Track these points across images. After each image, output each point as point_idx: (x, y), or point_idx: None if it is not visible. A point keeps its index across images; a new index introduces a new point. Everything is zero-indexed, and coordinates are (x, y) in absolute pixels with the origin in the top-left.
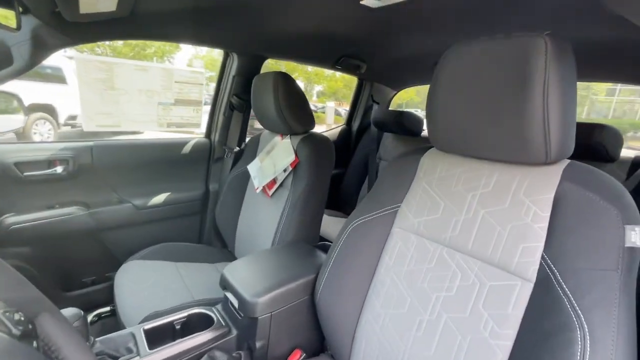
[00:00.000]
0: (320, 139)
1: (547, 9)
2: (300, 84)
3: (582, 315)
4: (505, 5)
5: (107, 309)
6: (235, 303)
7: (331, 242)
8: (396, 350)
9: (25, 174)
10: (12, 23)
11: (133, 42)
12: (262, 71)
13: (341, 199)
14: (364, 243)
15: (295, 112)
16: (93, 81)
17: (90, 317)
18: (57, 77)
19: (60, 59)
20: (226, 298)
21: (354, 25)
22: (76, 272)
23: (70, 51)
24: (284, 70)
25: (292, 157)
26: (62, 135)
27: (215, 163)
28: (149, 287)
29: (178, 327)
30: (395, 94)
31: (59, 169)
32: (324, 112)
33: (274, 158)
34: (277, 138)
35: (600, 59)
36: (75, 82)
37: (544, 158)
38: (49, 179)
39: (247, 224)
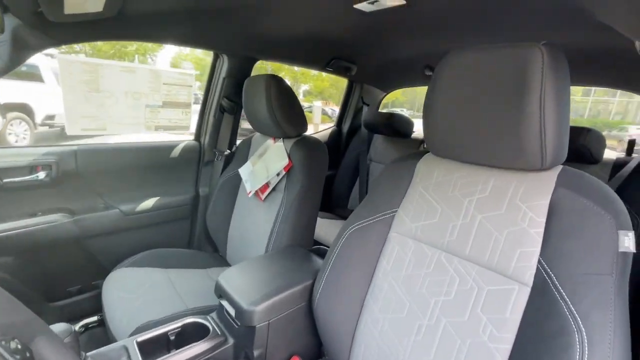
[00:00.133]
0: (314, 142)
1: (534, 16)
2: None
3: (579, 319)
4: (494, 12)
5: (95, 318)
6: (232, 312)
7: (324, 245)
8: (395, 355)
9: (5, 180)
10: None
11: None
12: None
13: (332, 201)
14: (361, 248)
15: (288, 115)
16: (77, 83)
17: (76, 328)
18: (33, 75)
19: (36, 56)
20: (221, 306)
21: (346, 28)
22: (61, 282)
23: (50, 49)
24: (270, 69)
25: (286, 161)
26: (39, 136)
27: (205, 166)
28: (139, 296)
29: (172, 337)
30: (385, 95)
31: (41, 175)
32: (310, 112)
33: (267, 162)
34: (270, 141)
35: (585, 64)
36: (52, 80)
37: (540, 164)
38: (31, 185)
39: (239, 228)
